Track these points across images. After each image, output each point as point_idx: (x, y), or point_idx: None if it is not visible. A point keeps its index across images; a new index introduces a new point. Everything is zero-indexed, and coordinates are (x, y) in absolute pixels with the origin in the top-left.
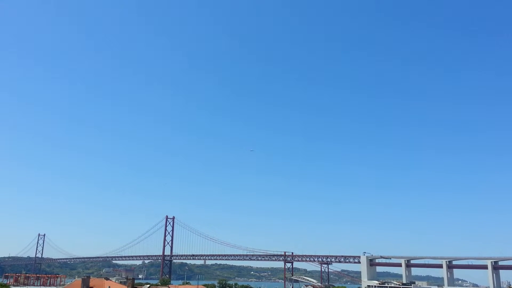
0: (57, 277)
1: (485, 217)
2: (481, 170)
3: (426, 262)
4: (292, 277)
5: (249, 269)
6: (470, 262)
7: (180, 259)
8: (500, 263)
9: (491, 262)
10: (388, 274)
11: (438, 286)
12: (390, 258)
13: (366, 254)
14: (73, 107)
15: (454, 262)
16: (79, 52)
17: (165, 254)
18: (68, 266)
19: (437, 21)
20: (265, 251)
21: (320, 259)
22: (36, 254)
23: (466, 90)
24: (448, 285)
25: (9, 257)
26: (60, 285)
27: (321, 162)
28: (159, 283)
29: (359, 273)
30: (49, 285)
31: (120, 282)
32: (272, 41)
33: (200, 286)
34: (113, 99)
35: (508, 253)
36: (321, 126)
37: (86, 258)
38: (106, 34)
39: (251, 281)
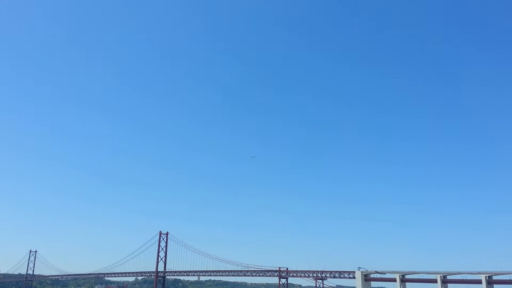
0: None
1: (481, 232)
2: (477, 186)
3: (421, 277)
4: None
5: (243, 285)
6: (464, 277)
7: (174, 275)
8: (494, 277)
9: (485, 276)
10: None
11: None
12: (385, 273)
13: (361, 269)
14: (64, 121)
15: (448, 277)
16: (85, 72)
17: (158, 270)
18: (60, 283)
19: (449, 36)
20: (259, 267)
21: (314, 275)
22: (27, 271)
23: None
24: None
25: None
26: None
27: (318, 178)
28: None
29: None
30: None
31: None
32: (272, 59)
33: None
34: (109, 114)
35: (503, 267)
36: (319, 141)
37: (78, 275)
38: (111, 54)
39: None
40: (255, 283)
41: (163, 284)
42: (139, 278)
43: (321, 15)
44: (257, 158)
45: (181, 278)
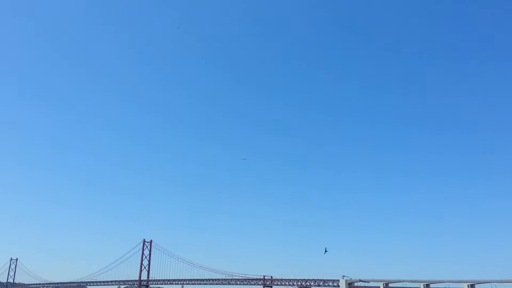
0: None
1: (462, 241)
2: (460, 194)
3: (404, 285)
4: None
5: None
6: (447, 285)
7: (157, 284)
8: (477, 286)
9: (468, 285)
10: None
11: None
12: (369, 282)
13: (345, 278)
14: (42, 126)
15: (431, 285)
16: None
17: (142, 278)
18: None
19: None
20: (244, 275)
21: (299, 283)
22: (7, 279)
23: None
24: None
25: None
26: None
27: (302, 186)
28: None
29: None
30: None
31: None
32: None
33: None
34: (91, 120)
35: (485, 276)
36: (302, 150)
37: (60, 283)
38: (106, 73)
39: None
40: None
41: None
42: (122, 286)
43: (312, 25)
44: (241, 166)
45: (165, 286)
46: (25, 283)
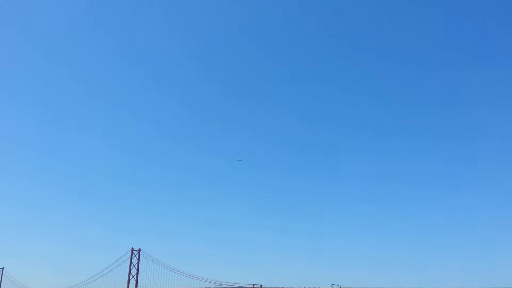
0: None
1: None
2: (441, 203)
3: None
4: None
5: None
6: None
7: None
8: None
9: None
10: None
11: None
12: None
13: (334, 286)
14: (34, 137)
15: None
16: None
17: None
18: None
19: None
20: (233, 284)
21: None
22: None
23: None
24: None
25: None
26: None
27: (291, 194)
28: None
29: None
30: None
31: None
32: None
33: None
34: (76, 128)
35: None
36: (291, 157)
37: None
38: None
39: None
40: None
41: None
42: None
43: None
44: (230, 173)
45: None
46: None
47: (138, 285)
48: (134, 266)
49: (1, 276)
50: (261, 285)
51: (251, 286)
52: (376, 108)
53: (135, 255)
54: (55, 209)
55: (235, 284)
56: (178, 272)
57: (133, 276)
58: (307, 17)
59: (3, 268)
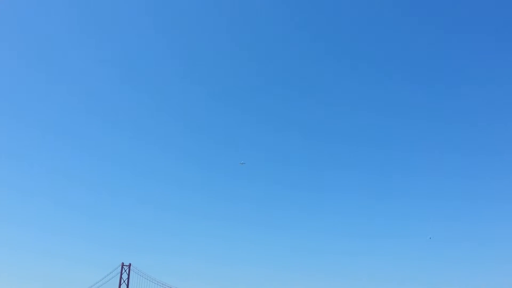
0: None
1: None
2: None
3: None
4: None
5: None
6: None
7: None
8: None
9: None
10: None
11: None
12: None
13: None
14: (22, 149)
15: None
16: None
17: None
18: None
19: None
20: None
21: None
22: None
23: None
24: None
25: None
26: None
27: (290, 210)
28: None
29: None
30: None
31: None
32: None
33: None
34: (68, 141)
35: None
36: (283, 172)
37: None
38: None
39: None
40: None
41: None
42: None
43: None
44: (228, 190)
45: None
46: None
47: None
48: (124, 281)
49: None
50: None
51: None
52: (376, 120)
53: (125, 270)
54: (41, 223)
55: None
56: None
57: None
58: (306, 35)
59: None
